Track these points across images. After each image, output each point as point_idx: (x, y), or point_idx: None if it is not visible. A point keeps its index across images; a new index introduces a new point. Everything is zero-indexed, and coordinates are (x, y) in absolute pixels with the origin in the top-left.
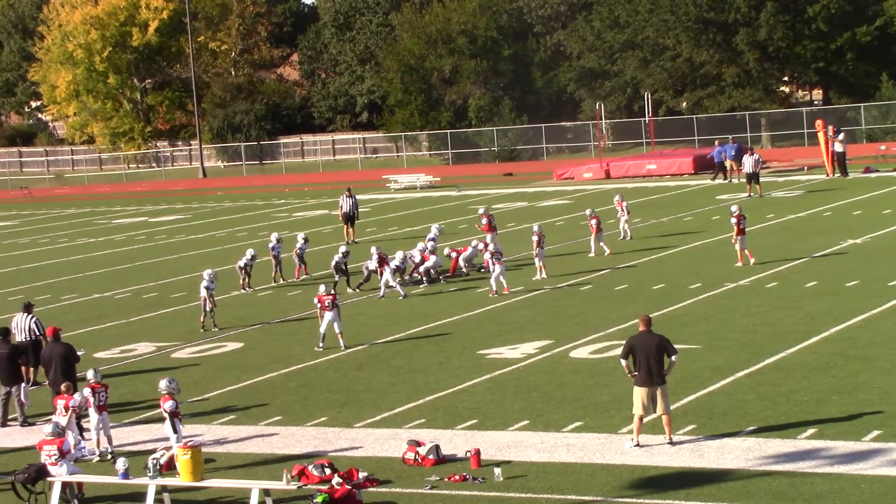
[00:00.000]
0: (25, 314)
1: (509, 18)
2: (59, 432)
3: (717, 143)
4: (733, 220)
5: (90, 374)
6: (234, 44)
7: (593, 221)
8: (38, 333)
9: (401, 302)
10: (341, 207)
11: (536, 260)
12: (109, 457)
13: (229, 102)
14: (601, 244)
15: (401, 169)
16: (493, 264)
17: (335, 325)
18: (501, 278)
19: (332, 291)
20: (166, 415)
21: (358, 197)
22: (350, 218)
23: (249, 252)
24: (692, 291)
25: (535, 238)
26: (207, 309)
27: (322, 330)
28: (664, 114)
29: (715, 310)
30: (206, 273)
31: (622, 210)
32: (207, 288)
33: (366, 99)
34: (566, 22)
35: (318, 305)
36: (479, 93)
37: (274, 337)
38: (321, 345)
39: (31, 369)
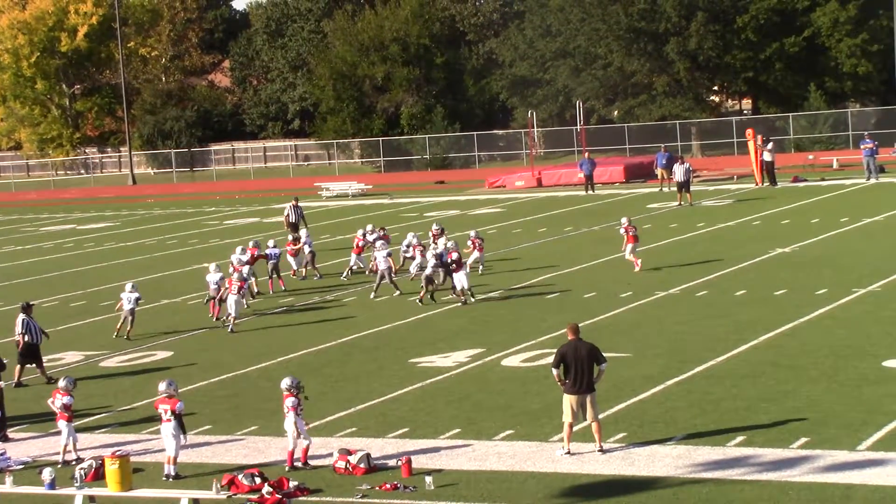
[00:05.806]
0: None
1: (442, 26)
2: None
3: (586, 154)
4: (622, 231)
5: (162, 387)
6: (164, 50)
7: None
8: None
9: (336, 310)
10: (287, 217)
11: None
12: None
13: (160, 109)
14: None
15: (333, 176)
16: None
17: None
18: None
19: (245, 277)
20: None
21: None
22: (295, 227)
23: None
24: (623, 300)
25: (470, 242)
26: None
27: (231, 311)
28: (596, 122)
29: (645, 318)
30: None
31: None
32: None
33: (297, 106)
34: (498, 30)
35: (227, 288)
36: (411, 100)
37: (204, 346)
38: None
39: None
